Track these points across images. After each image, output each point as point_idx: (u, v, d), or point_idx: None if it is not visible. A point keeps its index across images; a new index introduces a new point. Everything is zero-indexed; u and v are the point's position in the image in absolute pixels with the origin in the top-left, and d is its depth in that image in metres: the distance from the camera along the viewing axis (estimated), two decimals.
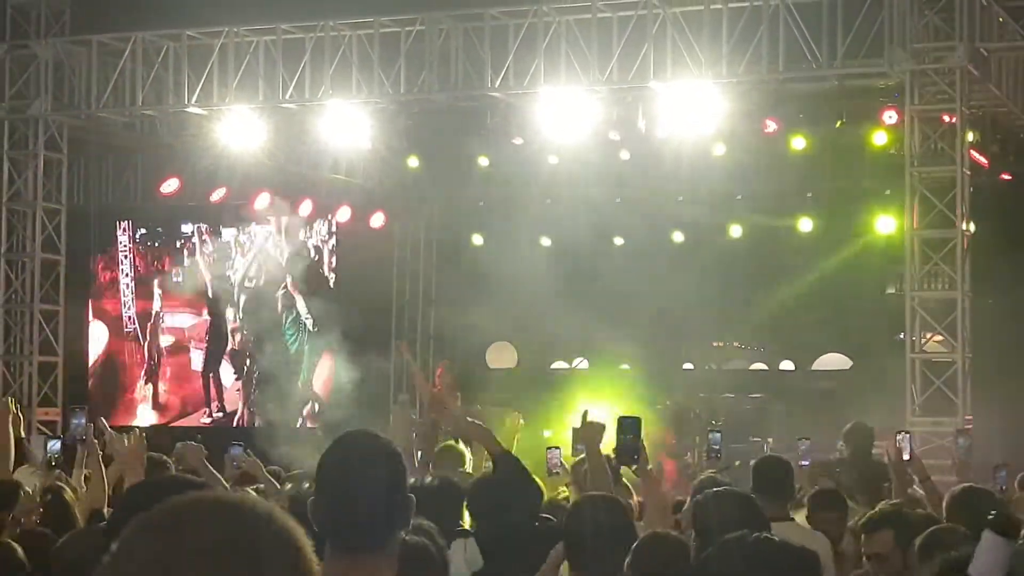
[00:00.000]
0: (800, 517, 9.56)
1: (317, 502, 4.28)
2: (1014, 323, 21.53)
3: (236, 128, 22.45)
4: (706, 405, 25.94)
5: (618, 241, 27.55)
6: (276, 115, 22.36)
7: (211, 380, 27.57)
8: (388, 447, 4.38)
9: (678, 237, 27.08)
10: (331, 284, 27.14)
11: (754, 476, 9.30)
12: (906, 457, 10.51)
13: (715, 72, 19.53)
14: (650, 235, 26.62)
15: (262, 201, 26.20)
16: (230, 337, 27.44)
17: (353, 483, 4.26)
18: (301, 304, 27.32)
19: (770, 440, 23.02)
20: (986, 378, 19.91)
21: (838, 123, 23.26)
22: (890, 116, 21.18)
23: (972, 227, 19.37)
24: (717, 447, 12.02)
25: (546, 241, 27.75)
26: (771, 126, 22.93)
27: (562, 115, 20.88)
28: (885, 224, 23.61)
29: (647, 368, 27.49)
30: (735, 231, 26.66)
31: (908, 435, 11.15)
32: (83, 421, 10.29)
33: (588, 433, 8.69)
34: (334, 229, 27.00)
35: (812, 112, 22.99)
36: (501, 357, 30.31)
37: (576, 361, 29.79)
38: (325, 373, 27.30)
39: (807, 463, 12.68)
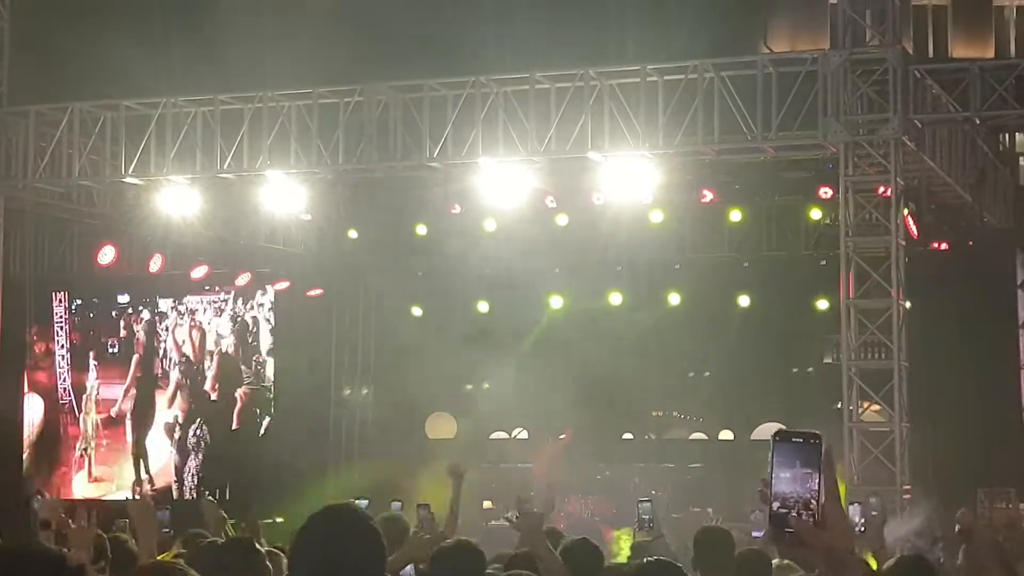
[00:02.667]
0: None
1: (291, 569, 4.25)
2: (950, 391, 21.64)
3: (173, 198, 22.35)
4: (646, 475, 25.93)
5: (555, 303, 27.49)
6: (214, 185, 22.28)
7: (143, 452, 27.30)
8: (366, 525, 4.30)
9: (616, 299, 27.05)
10: (268, 354, 26.97)
11: (695, 547, 9.23)
12: (860, 530, 10.37)
13: (652, 143, 19.63)
14: (589, 302, 26.66)
15: (199, 271, 26.07)
16: (166, 408, 27.18)
17: (320, 554, 4.19)
18: (238, 373, 27.15)
19: (710, 510, 23.00)
20: (924, 447, 20.00)
21: (774, 196, 23.46)
22: (825, 192, 21.41)
23: (907, 298, 19.49)
24: (647, 516, 11.97)
25: (483, 306, 27.69)
26: (708, 196, 23.09)
27: (500, 184, 20.94)
28: (821, 294, 23.76)
29: (586, 437, 27.48)
30: (673, 299, 26.74)
31: (859, 505, 11.10)
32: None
33: (527, 524, 7.91)
34: (272, 299, 26.87)
35: (749, 184, 23.18)
36: (440, 428, 30.17)
37: (515, 431, 29.70)
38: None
39: (759, 535, 12.58)
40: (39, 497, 10.02)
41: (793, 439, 3.02)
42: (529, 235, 24.58)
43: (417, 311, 28.07)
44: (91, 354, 27.17)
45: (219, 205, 23.41)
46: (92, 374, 27.19)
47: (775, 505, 3.00)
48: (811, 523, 2.97)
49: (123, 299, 27.31)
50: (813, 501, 2.98)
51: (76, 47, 22.71)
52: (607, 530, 22.81)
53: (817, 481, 2.97)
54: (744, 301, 26.13)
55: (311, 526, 4.28)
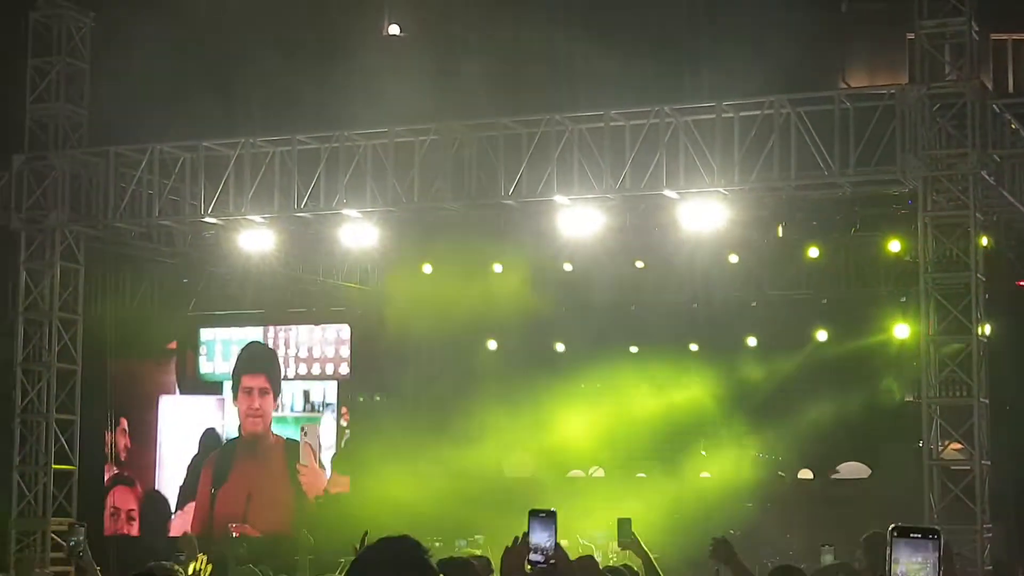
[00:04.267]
0: None
1: None
2: None
3: (251, 237, 22.59)
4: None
5: (634, 349, 27.51)
6: (291, 224, 22.47)
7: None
8: (419, 559, 4.19)
9: (693, 347, 27.07)
10: (348, 392, 27.24)
11: None
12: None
13: (727, 179, 19.59)
14: (665, 344, 26.62)
15: (280, 309, 26.29)
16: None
17: None
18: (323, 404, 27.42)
19: (791, 552, 22.85)
20: (1004, 485, 19.78)
21: (852, 230, 23.33)
22: (904, 228, 21.28)
23: (987, 333, 19.30)
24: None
25: (560, 347, 27.74)
26: (783, 233, 23.02)
27: (575, 222, 20.96)
28: (901, 330, 23.58)
29: (663, 477, 27.39)
30: (751, 341, 26.64)
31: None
32: (81, 538, 10.23)
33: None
34: (347, 336, 27.12)
35: (825, 219, 23.06)
36: (518, 466, 30.17)
37: (592, 469, 29.65)
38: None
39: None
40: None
41: (912, 534, 3.02)
42: (606, 273, 24.59)
43: (493, 344, 28.11)
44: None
45: (296, 244, 23.60)
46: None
47: None
48: None
49: (207, 335, 27.88)
50: None
51: (157, 87, 23.02)
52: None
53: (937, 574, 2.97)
54: (822, 337, 25.98)
55: (365, 558, 4.24)
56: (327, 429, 27.52)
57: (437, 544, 22.70)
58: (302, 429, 27.32)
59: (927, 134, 19.05)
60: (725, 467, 28.98)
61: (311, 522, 26.74)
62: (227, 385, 28.11)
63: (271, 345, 27.65)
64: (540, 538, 5.55)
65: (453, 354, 28.76)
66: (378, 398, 27.54)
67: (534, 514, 5.62)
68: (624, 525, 8.67)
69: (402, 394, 28.60)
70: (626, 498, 27.11)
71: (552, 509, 5.64)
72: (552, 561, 5.53)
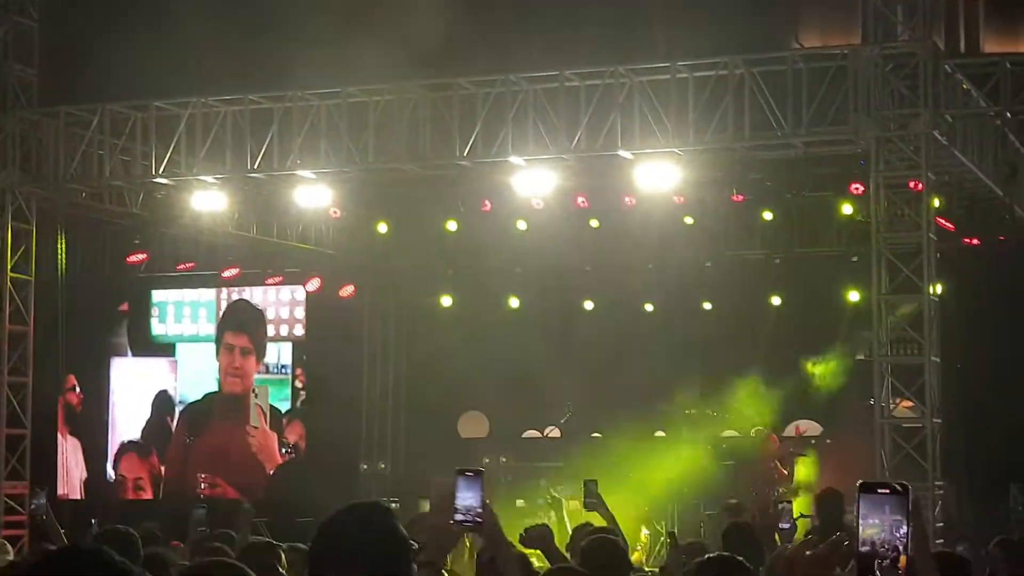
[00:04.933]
0: None
1: (310, 569, 4.22)
2: (983, 386, 21.66)
3: (203, 198, 22.55)
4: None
5: (588, 306, 27.60)
6: (244, 185, 22.44)
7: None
8: (389, 525, 4.23)
9: (648, 307, 27.23)
10: (303, 353, 27.28)
11: (723, 542, 9.35)
12: (784, 526, 10.45)
13: (682, 140, 19.69)
14: (620, 303, 26.76)
15: (231, 271, 26.26)
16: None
17: (342, 555, 4.15)
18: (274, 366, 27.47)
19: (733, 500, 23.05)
20: (956, 443, 20.04)
21: (804, 191, 23.49)
22: (856, 188, 21.45)
23: (939, 292, 19.51)
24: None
25: (514, 302, 27.77)
26: (739, 196, 23.17)
27: (530, 182, 21.06)
28: (853, 290, 23.80)
29: (619, 436, 27.56)
30: (704, 298, 26.81)
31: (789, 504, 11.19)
32: (43, 502, 10.27)
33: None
34: (302, 298, 27.15)
35: (779, 180, 23.21)
36: (472, 427, 30.29)
37: (548, 430, 29.80)
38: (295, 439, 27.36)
39: (787, 527, 12.70)
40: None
41: (879, 489, 3.06)
42: (560, 234, 24.69)
43: (447, 301, 28.13)
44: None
45: (249, 205, 23.57)
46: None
47: (863, 548, 3.02)
48: (901, 573, 2.99)
49: (159, 297, 27.83)
50: (902, 548, 2.99)
51: (106, 48, 22.89)
52: (640, 528, 22.95)
53: (906, 529, 2.99)
54: (775, 298, 26.19)
55: (334, 522, 4.25)
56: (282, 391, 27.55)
57: (394, 505, 22.84)
58: (252, 391, 27.34)
59: (880, 94, 19.18)
60: (680, 426, 29.19)
61: (269, 486, 26.83)
62: (180, 347, 28.05)
63: (224, 306, 27.62)
64: (465, 498, 5.54)
65: (408, 313, 28.82)
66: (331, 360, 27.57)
67: (460, 473, 5.61)
68: (590, 486, 8.77)
69: (358, 355, 28.66)
70: (583, 458, 27.34)
71: (480, 468, 5.65)
72: (479, 520, 5.55)
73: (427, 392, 27.91)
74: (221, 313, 27.61)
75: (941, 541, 17.88)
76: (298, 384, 27.36)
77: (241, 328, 27.39)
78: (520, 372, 27.25)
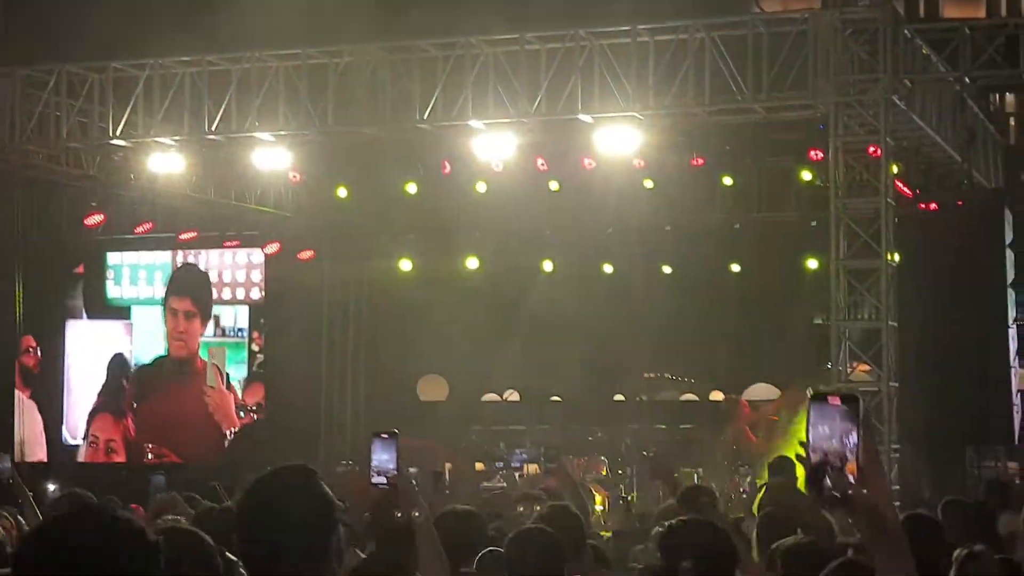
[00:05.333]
0: None
1: (237, 535, 4.23)
2: (940, 350, 21.78)
3: (161, 160, 22.44)
4: (638, 436, 26.10)
5: (547, 267, 27.60)
6: (202, 147, 22.34)
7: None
8: (312, 489, 4.24)
9: (608, 268, 27.25)
10: (261, 317, 27.23)
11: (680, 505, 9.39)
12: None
13: (642, 104, 19.70)
14: (580, 266, 26.78)
15: (188, 233, 26.17)
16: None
17: (267, 520, 4.17)
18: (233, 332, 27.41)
19: (700, 470, 23.18)
20: (912, 407, 20.18)
21: (764, 156, 23.56)
22: (816, 154, 21.53)
23: (897, 257, 19.63)
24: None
25: (473, 263, 27.73)
26: (699, 160, 23.20)
27: (490, 145, 21.04)
28: (811, 255, 23.89)
29: (578, 399, 27.68)
30: (664, 262, 26.85)
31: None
32: (7, 465, 10.26)
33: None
34: (259, 261, 27.08)
35: (739, 145, 23.26)
36: (432, 390, 30.32)
37: (507, 393, 29.86)
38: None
39: (746, 493, 12.79)
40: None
41: (830, 399, 3.03)
42: (520, 197, 24.67)
43: (406, 264, 28.08)
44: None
45: (208, 167, 23.47)
46: None
47: (814, 457, 3.01)
48: (851, 480, 2.99)
49: (114, 260, 27.73)
50: (852, 458, 2.98)
51: (64, 8, 22.72)
52: (598, 490, 23.01)
53: (856, 438, 2.98)
54: (735, 263, 26.26)
55: (258, 485, 4.26)
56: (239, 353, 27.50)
57: (351, 466, 22.88)
58: (209, 352, 27.29)
59: (839, 59, 19.26)
60: (638, 388, 29.30)
61: (228, 449, 26.81)
62: (136, 310, 27.94)
63: (194, 263, 27.54)
64: (381, 460, 5.63)
65: (368, 276, 28.78)
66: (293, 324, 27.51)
67: (376, 436, 5.71)
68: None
69: (317, 318, 28.60)
70: (542, 422, 27.45)
71: (395, 430, 5.73)
72: (393, 483, 5.63)
73: (387, 355, 27.91)
74: (146, 282, 27.54)
75: (897, 504, 18.04)
76: (255, 347, 27.30)
77: (185, 292, 27.30)
78: (480, 335, 27.28)
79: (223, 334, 27.31)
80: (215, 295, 27.27)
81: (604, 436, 26.73)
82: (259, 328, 27.21)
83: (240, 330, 27.28)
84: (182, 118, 21.59)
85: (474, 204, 25.51)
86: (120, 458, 27.18)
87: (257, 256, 27.31)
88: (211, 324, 27.34)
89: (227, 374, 27.24)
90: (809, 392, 3.06)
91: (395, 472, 5.64)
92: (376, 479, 5.62)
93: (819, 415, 3.01)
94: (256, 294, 27.35)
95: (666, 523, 6.89)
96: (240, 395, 27.17)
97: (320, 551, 4.18)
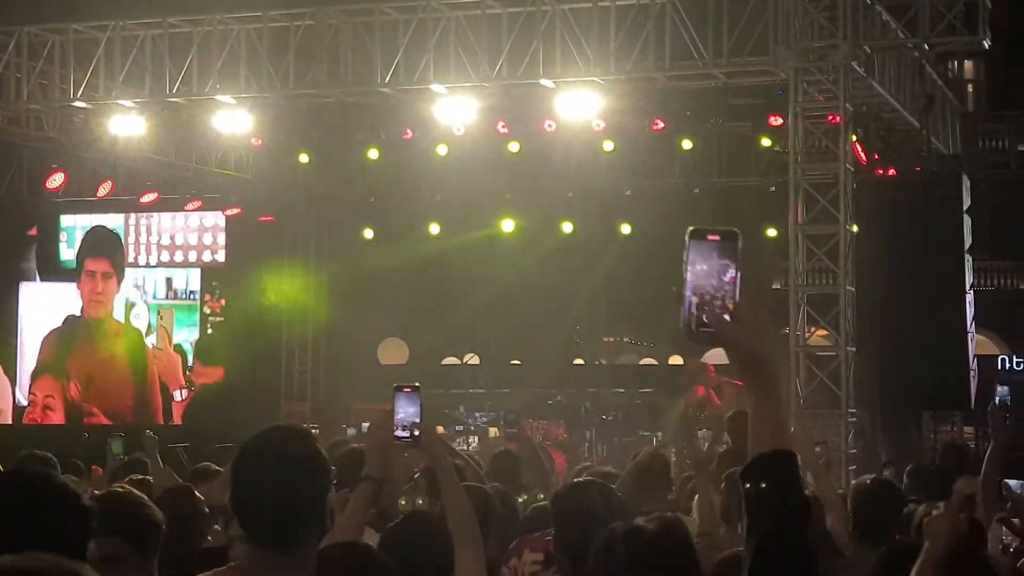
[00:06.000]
0: None
1: (231, 495, 4.30)
2: (897, 315, 21.92)
3: (122, 123, 22.39)
4: (597, 400, 26.24)
5: (507, 227, 27.64)
6: (163, 110, 22.29)
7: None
8: (309, 448, 4.30)
9: (567, 228, 27.25)
10: (213, 280, 27.24)
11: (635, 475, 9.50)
12: None
13: (603, 69, 19.75)
14: (539, 231, 26.85)
15: (149, 196, 26.10)
16: None
17: (263, 480, 4.22)
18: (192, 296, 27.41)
19: (659, 434, 23.35)
20: (869, 371, 20.35)
21: (723, 121, 23.64)
22: (776, 119, 21.63)
23: (855, 223, 19.76)
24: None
25: (435, 228, 27.78)
26: (659, 124, 23.26)
27: (451, 110, 21.06)
28: (770, 220, 24.01)
29: (537, 363, 27.79)
30: (624, 226, 26.93)
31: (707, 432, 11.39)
32: None
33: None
34: (212, 224, 27.10)
35: (699, 110, 23.33)
36: (392, 353, 30.40)
37: (467, 356, 29.97)
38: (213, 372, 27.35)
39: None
40: None
41: (709, 236, 2.98)
42: (481, 160, 24.71)
43: (369, 234, 28.14)
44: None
45: (168, 130, 23.41)
46: None
47: (691, 299, 2.96)
48: (725, 317, 2.94)
49: (68, 222, 27.65)
50: (729, 295, 2.93)
51: None
52: (557, 455, 23.12)
53: (734, 274, 2.93)
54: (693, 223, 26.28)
55: (251, 446, 4.32)
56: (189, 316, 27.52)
57: (314, 431, 22.90)
58: (158, 314, 27.30)
59: (799, 25, 19.33)
60: (597, 352, 29.46)
61: (187, 414, 26.80)
62: None
63: (132, 231, 27.50)
64: (407, 413, 5.66)
65: (329, 239, 28.79)
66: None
67: (399, 389, 5.74)
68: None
69: (279, 282, 28.58)
70: (501, 385, 27.56)
71: (416, 384, 5.77)
72: (416, 434, 5.66)
73: (347, 319, 27.94)
74: (80, 241, 27.53)
75: (854, 468, 18.24)
76: (206, 309, 27.34)
77: (102, 253, 27.27)
78: (440, 299, 27.37)
79: (175, 296, 27.32)
80: (168, 258, 27.30)
81: (563, 400, 26.88)
82: (211, 291, 27.18)
83: (192, 292, 27.29)
84: (143, 80, 21.53)
85: (435, 168, 25.53)
86: (57, 418, 27.16)
87: (210, 219, 27.27)
88: (163, 286, 27.34)
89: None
90: (688, 230, 3.01)
91: (417, 424, 5.65)
92: (399, 433, 5.63)
93: (697, 253, 2.97)
94: (208, 256, 27.33)
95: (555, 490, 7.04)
96: (191, 358, 27.17)
97: (314, 509, 4.25)
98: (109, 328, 27.29)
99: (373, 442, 5.67)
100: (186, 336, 27.30)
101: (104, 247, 27.25)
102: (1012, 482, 8.07)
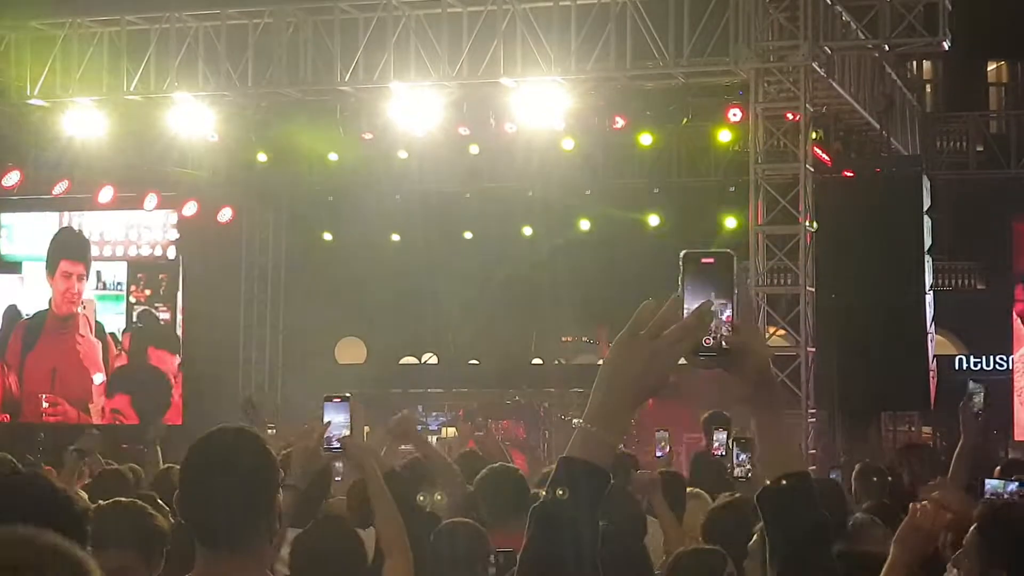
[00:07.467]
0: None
1: (179, 498, 4.28)
2: (857, 316, 22.02)
3: (79, 120, 22.26)
4: (557, 400, 26.26)
5: (468, 235, 27.70)
6: (121, 107, 22.18)
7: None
8: (257, 449, 4.28)
9: (527, 231, 27.31)
10: (178, 280, 27.22)
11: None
12: (659, 455, 10.69)
13: (564, 68, 19.76)
14: (499, 230, 26.84)
15: (106, 194, 25.98)
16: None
17: (210, 480, 4.20)
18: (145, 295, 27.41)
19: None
20: (829, 372, 20.41)
21: (684, 120, 23.67)
22: (735, 114, 21.65)
23: (815, 224, 19.83)
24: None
25: (395, 236, 27.83)
26: (619, 123, 23.27)
27: (412, 110, 21.01)
28: (730, 220, 24.07)
29: (496, 363, 27.77)
30: (584, 225, 26.94)
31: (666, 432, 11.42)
32: None
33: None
34: (160, 222, 27.24)
35: (659, 109, 23.36)
36: (350, 353, 30.34)
37: (425, 356, 29.94)
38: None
39: (662, 455, 12.84)
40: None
41: (703, 260, 2.95)
42: (441, 161, 24.66)
43: (328, 236, 28.11)
44: None
45: (126, 128, 23.29)
46: None
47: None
48: (723, 343, 2.91)
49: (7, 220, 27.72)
50: (728, 319, 2.90)
51: None
52: (516, 454, 23.14)
53: (732, 297, 2.91)
54: (653, 223, 26.29)
55: (199, 448, 4.31)
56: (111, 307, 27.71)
57: (270, 431, 22.82)
58: (82, 303, 27.48)
59: (760, 25, 19.41)
60: (556, 352, 29.49)
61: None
62: (28, 265, 27.84)
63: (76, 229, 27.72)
64: (336, 423, 5.70)
65: (287, 239, 28.69)
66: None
67: (328, 399, 5.77)
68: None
69: (235, 281, 28.48)
70: (460, 385, 27.53)
71: (347, 394, 5.80)
72: (340, 446, 5.70)
73: (305, 317, 27.84)
74: (52, 239, 27.67)
75: (814, 468, 18.29)
76: (132, 299, 27.52)
77: (78, 257, 27.58)
78: (399, 298, 27.32)
79: (104, 288, 27.60)
80: (110, 252, 27.56)
81: (522, 400, 26.89)
82: (136, 283, 27.41)
83: (119, 283, 27.57)
84: (101, 78, 21.43)
85: (394, 169, 25.48)
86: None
87: (157, 217, 27.32)
88: (93, 279, 27.65)
89: (100, 323, 27.52)
90: (681, 255, 2.96)
91: (346, 436, 5.69)
92: (330, 443, 5.67)
93: (692, 278, 2.94)
94: (157, 252, 27.47)
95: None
96: (116, 345, 27.31)
97: (263, 513, 4.23)
98: (76, 321, 27.52)
99: (299, 451, 5.72)
100: (112, 323, 27.61)
101: (79, 250, 27.69)
102: (992, 482, 8.01)
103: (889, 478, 10.77)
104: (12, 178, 25.38)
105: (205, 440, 4.31)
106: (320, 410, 5.84)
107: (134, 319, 27.62)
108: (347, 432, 5.76)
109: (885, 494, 9.97)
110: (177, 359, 27.22)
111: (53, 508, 3.68)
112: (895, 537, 5.25)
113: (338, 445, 5.71)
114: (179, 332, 27.30)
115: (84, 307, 27.60)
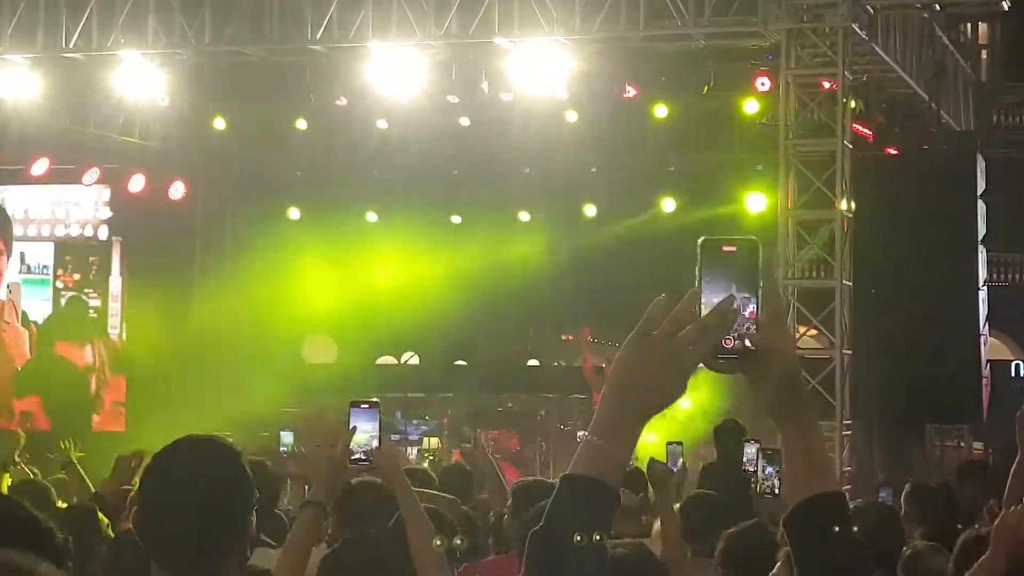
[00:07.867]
0: None
1: (137, 513, 4.29)
2: (899, 315, 22.07)
3: (10, 81, 22.26)
4: (556, 407, 26.27)
5: (455, 219, 27.72)
6: (58, 67, 22.17)
7: None
8: (229, 462, 4.27)
9: (524, 216, 27.33)
10: (110, 264, 27.40)
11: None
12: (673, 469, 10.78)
13: (567, 28, 19.75)
14: (492, 213, 26.83)
15: (41, 166, 26.00)
16: None
17: (174, 498, 4.20)
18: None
19: None
20: (868, 378, 20.44)
21: (705, 89, 23.69)
22: (763, 83, 21.66)
23: (853, 208, 19.85)
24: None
25: (372, 216, 27.83)
26: (630, 91, 23.28)
27: (393, 73, 21.01)
28: (756, 203, 24.07)
29: (486, 364, 27.75)
30: (589, 209, 26.96)
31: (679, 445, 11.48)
32: None
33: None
34: (94, 198, 27.34)
35: (676, 76, 23.37)
36: (319, 351, 30.32)
37: (405, 356, 29.93)
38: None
39: (677, 468, 12.88)
40: None
41: (724, 247, 2.96)
42: (426, 133, 24.65)
43: (295, 213, 28.10)
44: None
45: (64, 90, 23.29)
46: None
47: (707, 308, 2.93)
48: (747, 343, 2.90)
49: None
50: (752, 315, 2.90)
51: None
52: (509, 469, 23.19)
53: (756, 290, 2.92)
54: (669, 207, 26.31)
55: (161, 462, 4.30)
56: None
57: (227, 438, 22.82)
58: (8, 287, 27.59)
59: None
60: (555, 352, 29.48)
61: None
62: None
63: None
64: (364, 432, 5.68)
65: (248, 220, 28.67)
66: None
67: (354, 404, 5.73)
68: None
69: (188, 266, 28.47)
70: (444, 389, 27.52)
71: (375, 399, 5.78)
72: (372, 459, 5.69)
73: (268, 311, 27.84)
74: None
75: (849, 487, 18.34)
76: (59, 284, 27.65)
77: None
78: (376, 291, 27.31)
79: (28, 271, 27.72)
80: (35, 232, 27.65)
81: (515, 407, 26.90)
82: (64, 266, 27.53)
83: (44, 267, 27.65)
84: (35, 33, 21.42)
85: (372, 140, 25.48)
86: None
87: (90, 193, 27.43)
88: (16, 262, 27.71)
89: (24, 311, 27.68)
90: (700, 241, 2.97)
91: (375, 447, 5.68)
92: (355, 455, 5.67)
93: (712, 268, 2.96)
94: (90, 231, 27.60)
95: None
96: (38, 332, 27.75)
97: (233, 532, 4.25)
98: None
99: (324, 463, 5.71)
100: (37, 309, 27.97)
101: None
102: None
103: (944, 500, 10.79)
104: None
105: (171, 449, 4.29)
106: (346, 415, 5.81)
107: (61, 305, 27.81)
108: (376, 443, 5.75)
109: (942, 518, 9.99)
110: (89, 352, 27.36)
111: (31, 539, 3.73)
112: (992, 538, 5.24)
113: (365, 458, 5.70)
114: (110, 321, 27.45)
115: (11, 291, 27.70)
